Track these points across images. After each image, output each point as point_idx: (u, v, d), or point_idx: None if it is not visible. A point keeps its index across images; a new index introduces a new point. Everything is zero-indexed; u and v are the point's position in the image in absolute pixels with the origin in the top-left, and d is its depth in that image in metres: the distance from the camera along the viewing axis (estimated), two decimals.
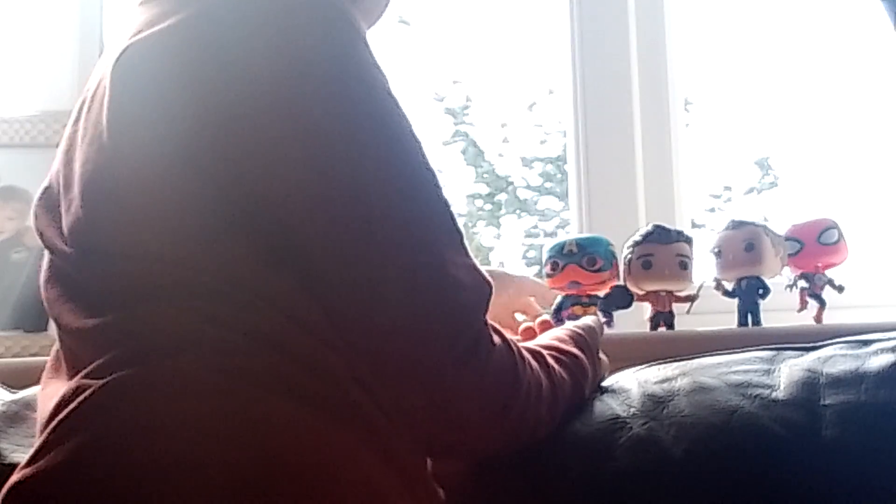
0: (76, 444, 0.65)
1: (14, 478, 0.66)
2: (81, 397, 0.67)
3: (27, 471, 0.65)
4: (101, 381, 0.67)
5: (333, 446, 0.66)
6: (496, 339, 0.77)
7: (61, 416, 0.67)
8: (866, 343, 0.96)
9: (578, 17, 1.66)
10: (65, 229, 0.77)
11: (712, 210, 1.95)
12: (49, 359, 0.81)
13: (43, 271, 0.80)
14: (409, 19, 2.03)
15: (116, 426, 0.65)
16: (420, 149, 0.76)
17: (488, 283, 0.77)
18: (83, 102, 0.81)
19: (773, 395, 0.90)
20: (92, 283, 0.74)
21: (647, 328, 1.34)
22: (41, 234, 0.81)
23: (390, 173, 0.73)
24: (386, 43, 1.98)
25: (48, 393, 0.76)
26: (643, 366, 1.01)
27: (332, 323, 0.71)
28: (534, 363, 0.82)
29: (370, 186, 0.72)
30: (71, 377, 0.72)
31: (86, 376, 0.69)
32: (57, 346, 0.80)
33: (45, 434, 0.67)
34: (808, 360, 0.95)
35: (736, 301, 1.31)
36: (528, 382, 0.80)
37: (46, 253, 0.81)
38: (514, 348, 0.79)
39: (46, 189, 0.83)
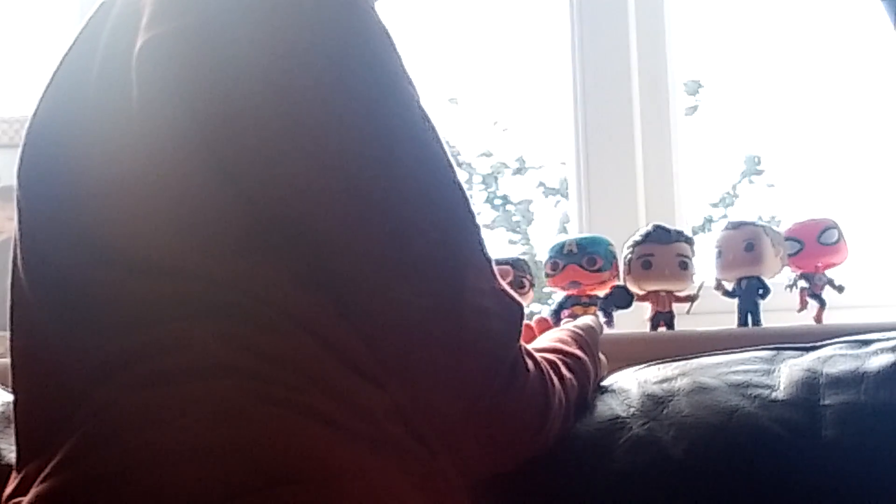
0: (100, 459, 0.63)
1: (38, 488, 0.64)
2: (108, 414, 0.65)
3: (53, 482, 0.64)
4: (125, 399, 0.65)
5: (370, 474, 0.65)
6: (530, 364, 0.76)
7: (85, 429, 0.65)
8: (866, 343, 0.96)
9: (578, 17, 1.66)
10: (62, 227, 0.72)
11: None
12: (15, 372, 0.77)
13: (21, 269, 0.76)
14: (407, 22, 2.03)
15: (146, 446, 0.63)
16: (451, 165, 0.73)
17: (518, 304, 0.74)
18: (78, 73, 0.75)
19: (773, 395, 0.90)
20: (106, 295, 0.69)
21: (647, 328, 1.34)
22: (23, 226, 0.76)
23: (427, 196, 0.70)
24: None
25: (31, 403, 0.74)
26: (643, 366, 1.01)
27: (369, 351, 0.68)
28: (556, 380, 0.82)
29: (407, 211, 0.69)
30: (72, 397, 0.69)
31: (99, 396, 0.67)
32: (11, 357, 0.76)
33: (63, 448, 0.65)
34: (808, 360, 0.95)
35: (736, 301, 1.31)
36: (555, 404, 0.80)
37: (25, 249, 0.76)
38: (545, 371, 0.79)
39: (32, 167, 0.77)
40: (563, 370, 0.86)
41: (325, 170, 0.68)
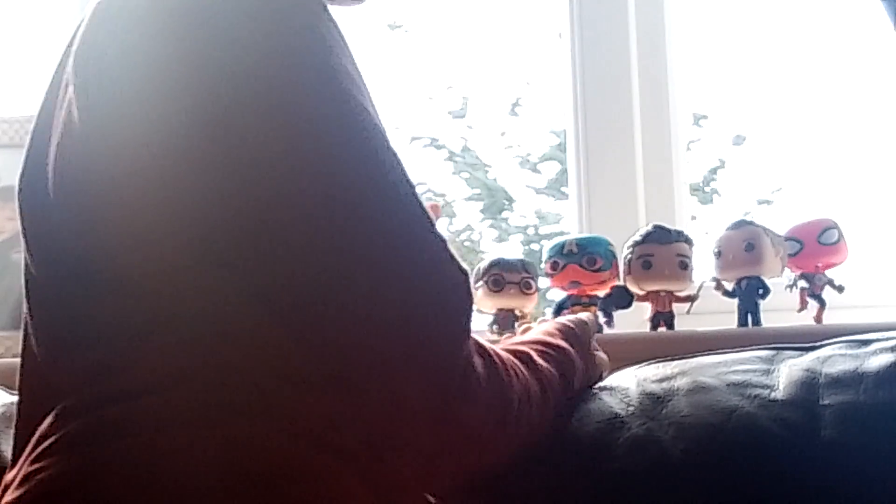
0: (57, 473, 0.64)
1: (11, 496, 0.65)
2: (63, 431, 0.66)
3: (21, 491, 0.64)
4: (83, 417, 0.66)
5: (329, 479, 0.65)
6: (478, 361, 0.74)
7: (44, 445, 0.66)
8: (866, 343, 0.96)
9: (578, 17, 1.66)
10: (38, 237, 0.74)
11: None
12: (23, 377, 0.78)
13: (23, 269, 0.77)
14: (404, 22, 2.03)
15: (100, 459, 0.64)
16: (399, 161, 0.72)
17: (464, 301, 0.72)
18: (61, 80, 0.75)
19: (772, 395, 0.90)
20: (77, 308, 0.71)
21: (647, 328, 1.33)
22: (28, 237, 0.77)
23: (381, 214, 0.69)
24: (381, 46, 1.99)
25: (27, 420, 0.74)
26: (642, 364, 1.01)
27: (323, 365, 0.68)
28: (521, 368, 0.81)
29: (359, 228, 0.68)
30: (49, 408, 0.69)
31: (68, 409, 0.68)
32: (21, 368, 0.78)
33: (26, 463, 0.66)
34: (808, 360, 0.95)
35: (736, 301, 1.31)
36: (518, 394, 0.79)
37: (26, 250, 0.77)
38: (498, 363, 0.78)
39: (31, 169, 0.78)
40: (538, 360, 0.85)
41: (277, 184, 0.67)
